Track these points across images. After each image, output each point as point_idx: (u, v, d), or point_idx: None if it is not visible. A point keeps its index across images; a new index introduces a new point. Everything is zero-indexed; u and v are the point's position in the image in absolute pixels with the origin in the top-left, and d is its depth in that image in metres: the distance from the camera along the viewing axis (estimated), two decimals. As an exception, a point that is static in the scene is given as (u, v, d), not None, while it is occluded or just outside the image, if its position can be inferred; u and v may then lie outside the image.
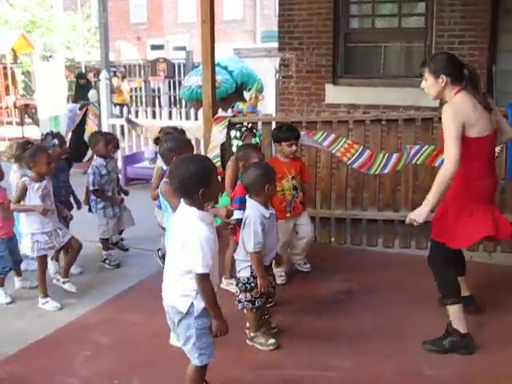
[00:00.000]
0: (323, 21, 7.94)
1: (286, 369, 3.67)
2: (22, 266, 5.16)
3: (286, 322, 4.13)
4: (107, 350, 3.99)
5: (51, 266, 5.11)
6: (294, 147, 4.84)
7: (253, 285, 3.79)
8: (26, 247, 4.59)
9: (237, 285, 3.88)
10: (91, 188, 5.51)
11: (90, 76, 14.64)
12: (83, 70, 17.41)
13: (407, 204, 5.80)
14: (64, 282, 4.85)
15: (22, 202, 4.52)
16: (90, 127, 9.68)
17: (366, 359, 3.77)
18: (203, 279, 2.81)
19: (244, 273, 3.81)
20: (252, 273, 3.79)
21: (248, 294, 3.80)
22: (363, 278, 5.17)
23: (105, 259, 5.65)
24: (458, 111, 3.55)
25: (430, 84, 3.72)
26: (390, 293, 4.81)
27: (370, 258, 5.73)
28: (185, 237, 2.83)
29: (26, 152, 4.68)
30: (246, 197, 3.87)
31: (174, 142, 3.88)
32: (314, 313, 4.45)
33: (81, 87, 11.95)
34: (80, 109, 10.29)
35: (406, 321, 4.29)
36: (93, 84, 13.09)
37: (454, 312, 3.76)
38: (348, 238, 6.09)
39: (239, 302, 3.83)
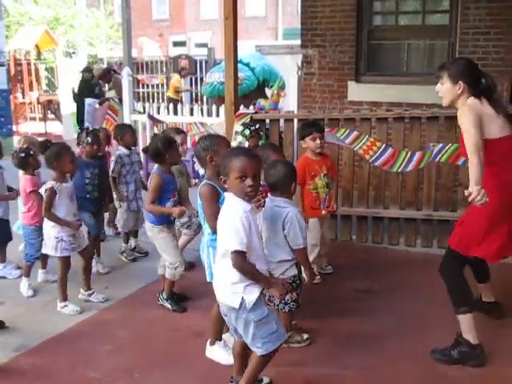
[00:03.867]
0: (346, 18, 7.90)
1: (306, 367, 3.67)
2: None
3: (306, 321, 4.11)
4: (128, 344, 4.02)
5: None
6: (318, 141, 4.81)
7: (298, 282, 3.75)
8: (49, 247, 4.49)
9: None
10: (110, 174, 5.54)
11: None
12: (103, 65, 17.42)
13: (430, 202, 5.76)
14: (90, 295, 4.73)
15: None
16: (111, 123, 9.68)
17: (385, 358, 3.75)
18: (236, 257, 2.85)
19: (290, 272, 3.71)
20: (297, 269, 3.77)
21: (294, 294, 3.74)
22: (384, 276, 5.14)
23: (122, 252, 5.71)
24: (473, 107, 3.47)
25: (446, 88, 3.63)
26: (411, 292, 4.78)
27: (392, 257, 5.70)
28: (221, 220, 2.95)
29: (47, 151, 4.54)
30: (269, 194, 3.77)
31: (208, 141, 3.68)
32: (334, 311, 4.44)
33: (85, 81, 11.44)
34: (100, 104, 10.27)
35: (426, 321, 4.26)
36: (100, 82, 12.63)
37: (465, 322, 3.64)
38: (369, 237, 6.06)
39: (285, 303, 3.75)
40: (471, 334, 3.63)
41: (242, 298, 2.93)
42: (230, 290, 2.97)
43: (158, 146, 4.48)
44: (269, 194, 3.79)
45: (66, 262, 4.55)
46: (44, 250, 4.60)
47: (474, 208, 3.51)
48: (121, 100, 10.14)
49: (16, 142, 11.11)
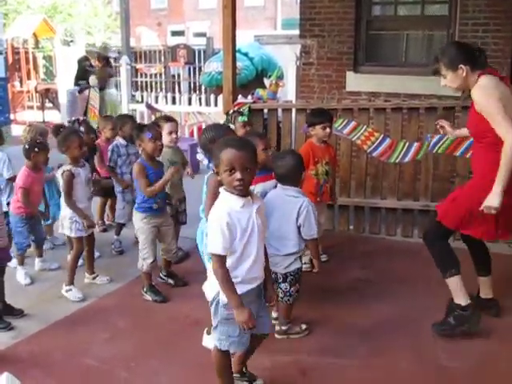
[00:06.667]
0: (345, 8, 7.88)
1: (302, 355, 3.69)
2: (46, 245, 5.31)
3: (304, 310, 4.12)
4: (125, 332, 4.03)
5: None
6: (327, 130, 4.87)
7: (300, 273, 3.80)
8: (66, 227, 4.57)
9: (284, 281, 3.76)
10: (107, 163, 5.57)
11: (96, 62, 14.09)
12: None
13: (427, 193, 5.77)
14: (94, 278, 4.83)
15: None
16: (94, 114, 9.59)
17: (381, 348, 3.77)
18: (213, 260, 2.77)
19: (295, 265, 3.74)
20: (301, 261, 3.81)
21: (297, 285, 3.79)
22: (381, 267, 5.16)
23: (112, 243, 5.69)
24: (492, 87, 3.44)
25: (450, 79, 3.61)
26: (408, 282, 4.80)
27: (389, 247, 5.71)
28: (210, 215, 2.86)
29: (58, 136, 4.69)
30: (280, 185, 3.79)
31: (213, 131, 3.63)
32: (330, 301, 4.45)
33: (83, 70, 11.30)
34: (79, 92, 10.15)
35: (423, 311, 4.27)
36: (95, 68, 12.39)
37: (454, 284, 3.71)
38: (367, 227, 6.07)
39: (290, 295, 3.78)
40: (461, 295, 3.70)
41: (218, 293, 2.90)
42: (211, 281, 2.96)
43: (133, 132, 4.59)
44: (278, 184, 3.80)
45: (79, 242, 4.61)
46: (60, 230, 4.67)
47: (471, 188, 3.56)
48: (101, 89, 9.97)
49: (14, 130, 11.10)
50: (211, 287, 2.97)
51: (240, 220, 2.77)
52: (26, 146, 4.74)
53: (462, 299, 3.71)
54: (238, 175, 2.70)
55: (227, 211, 2.73)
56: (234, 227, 2.74)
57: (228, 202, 2.78)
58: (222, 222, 2.71)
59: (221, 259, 2.75)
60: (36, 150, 4.71)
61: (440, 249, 3.81)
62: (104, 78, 9.90)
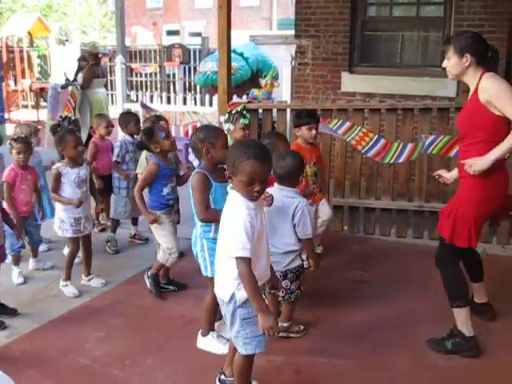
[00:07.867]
0: (340, 8, 7.89)
1: (296, 355, 3.69)
2: (42, 248, 5.32)
3: (297, 310, 4.13)
4: (120, 331, 4.03)
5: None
6: (313, 131, 4.85)
7: (301, 270, 3.82)
8: (55, 226, 4.61)
9: (284, 279, 3.75)
10: (114, 159, 5.58)
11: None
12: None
13: (421, 194, 5.78)
14: (89, 280, 4.80)
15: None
16: (69, 109, 9.47)
17: (375, 348, 3.77)
18: (239, 263, 2.69)
19: (296, 262, 3.76)
20: (301, 258, 3.84)
21: (298, 282, 3.80)
22: (375, 267, 5.17)
23: (108, 241, 5.66)
24: (500, 79, 3.37)
25: (452, 63, 3.52)
26: (402, 283, 4.81)
27: (383, 248, 5.72)
28: (227, 219, 2.79)
29: (55, 136, 4.71)
30: (277, 185, 3.77)
31: (204, 132, 3.56)
32: (325, 301, 4.46)
33: (81, 70, 11.25)
34: (62, 87, 10.05)
35: (417, 311, 4.28)
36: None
37: (460, 315, 3.64)
38: (361, 227, 6.08)
39: (291, 292, 3.79)
40: (466, 326, 3.63)
41: (233, 293, 2.83)
42: (224, 283, 2.89)
43: (141, 139, 4.59)
44: (275, 184, 3.79)
45: (73, 242, 4.64)
46: (55, 229, 4.68)
47: (463, 198, 3.53)
48: (83, 87, 9.90)
49: (8, 129, 11.05)
50: (225, 288, 2.89)
51: (255, 220, 2.76)
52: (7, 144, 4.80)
53: (465, 329, 3.63)
54: (257, 188, 2.69)
55: (247, 212, 2.70)
56: (254, 226, 2.71)
57: (243, 203, 2.74)
58: (245, 223, 2.67)
59: (247, 262, 2.69)
60: (16, 146, 4.71)
61: (452, 277, 3.69)
62: (87, 77, 9.78)
